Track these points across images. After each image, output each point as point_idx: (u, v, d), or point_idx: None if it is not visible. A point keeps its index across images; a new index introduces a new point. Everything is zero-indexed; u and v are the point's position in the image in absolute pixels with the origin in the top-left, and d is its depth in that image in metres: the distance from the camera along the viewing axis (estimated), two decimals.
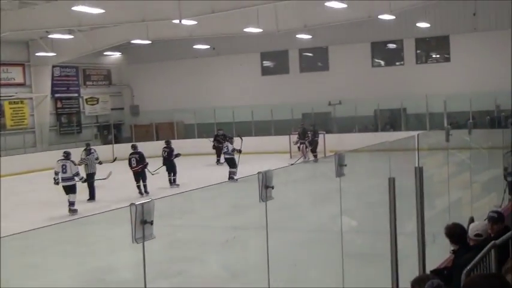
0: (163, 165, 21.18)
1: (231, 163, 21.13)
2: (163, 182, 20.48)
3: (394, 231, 5.89)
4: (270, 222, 5.18)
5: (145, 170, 19.64)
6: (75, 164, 17.64)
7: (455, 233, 6.28)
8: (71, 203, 17.00)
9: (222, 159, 24.09)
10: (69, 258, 10.08)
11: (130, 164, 19.68)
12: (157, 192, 18.95)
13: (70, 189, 17.14)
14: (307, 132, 26.33)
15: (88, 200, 18.52)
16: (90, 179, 19.00)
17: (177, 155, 21.25)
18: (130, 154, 19.92)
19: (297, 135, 26.62)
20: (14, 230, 5.11)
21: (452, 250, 6.30)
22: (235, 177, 19.36)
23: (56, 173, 17.55)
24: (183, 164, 21.95)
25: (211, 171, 23.62)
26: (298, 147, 26.35)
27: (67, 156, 17.83)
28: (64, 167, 17.33)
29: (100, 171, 19.80)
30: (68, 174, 17.24)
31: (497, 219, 6.61)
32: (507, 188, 11.53)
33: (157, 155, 21.88)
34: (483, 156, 12.01)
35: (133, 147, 20.40)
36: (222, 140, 26.25)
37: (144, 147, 21.75)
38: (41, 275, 9.18)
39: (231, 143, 21.56)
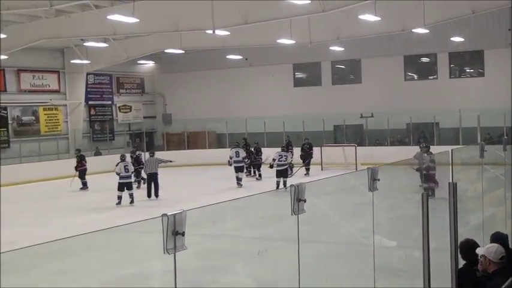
0: (251, 162, 25.08)
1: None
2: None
3: (427, 246, 5.82)
4: (301, 234, 5.15)
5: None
6: (244, 151, 23.45)
7: (464, 248, 6.16)
8: (240, 179, 22.45)
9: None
10: (100, 265, 10.13)
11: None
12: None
13: (240, 169, 22.67)
14: (249, 148, 25.69)
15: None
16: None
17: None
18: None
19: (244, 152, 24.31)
20: (46, 236, 5.16)
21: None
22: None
23: (231, 157, 22.95)
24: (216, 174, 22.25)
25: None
26: (247, 169, 25.11)
27: (239, 144, 24.33)
28: (237, 152, 22.95)
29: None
30: (239, 158, 22.84)
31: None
32: None
33: (189, 164, 22.12)
34: None
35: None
36: (245, 147, 25.47)
37: (176, 155, 21.91)
38: (71, 280, 9.25)
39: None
